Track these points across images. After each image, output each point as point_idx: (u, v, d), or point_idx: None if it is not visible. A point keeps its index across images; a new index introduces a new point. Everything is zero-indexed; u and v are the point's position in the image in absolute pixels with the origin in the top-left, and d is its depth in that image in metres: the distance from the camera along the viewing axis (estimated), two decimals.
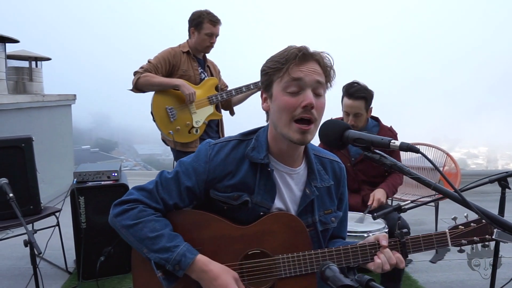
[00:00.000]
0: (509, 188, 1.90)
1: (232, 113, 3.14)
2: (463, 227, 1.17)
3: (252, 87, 2.90)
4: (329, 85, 1.15)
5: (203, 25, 2.80)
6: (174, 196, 1.15)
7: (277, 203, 1.19)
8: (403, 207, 1.88)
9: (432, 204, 3.24)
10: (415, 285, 2.57)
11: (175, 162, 3.00)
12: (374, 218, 1.90)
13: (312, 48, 1.12)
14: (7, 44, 4.26)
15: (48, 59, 5.19)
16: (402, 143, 0.81)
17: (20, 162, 2.57)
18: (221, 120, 3.04)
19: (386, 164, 0.84)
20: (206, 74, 2.94)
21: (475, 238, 1.17)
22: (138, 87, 2.72)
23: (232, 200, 1.16)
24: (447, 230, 1.18)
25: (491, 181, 1.92)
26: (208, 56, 3.01)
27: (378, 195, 2.28)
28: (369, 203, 2.26)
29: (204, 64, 2.97)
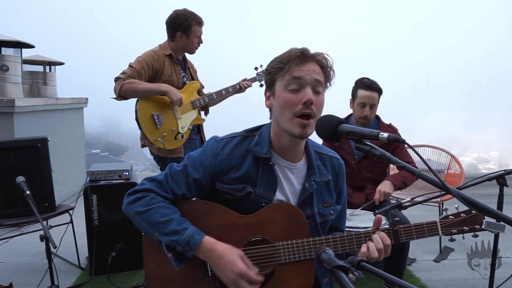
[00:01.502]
0: (507, 186, 1.95)
1: (206, 113, 3.06)
2: (453, 217, 1.23)
3: (230, 90, 2.90)
4: (328, 84, 1.24)
5: (192, 28, 2.71)
6: (183, 187, 1.24)
7: (278, 195, 1.27)
8: (403, 204, 1.94)
9: (437, 205, 3.28)
10: (418, 283, 2.62)
11: (160, 168, 2.90)
12: (375, 215, 1.97)
13: (313, 49, 1.21)
14: (23, 50, 4.41)
15: (62, 63, 5.36)
16: (389, 135, 0.88)
17: (36, 161, 2.68)
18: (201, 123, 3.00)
19: (375, 154, 0.92)
20: (187, 77, 2.88)
21: (464, 228, 1.22)
22: (122, 95, 2.56)
23: (237, 191, 1.24)
24: (437, 220, 1.24)
25: (489, 179, 1.97)
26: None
27: (381, 187, 2.34)
28: (375, 197, 2.31)
29: (185, 66, 2.89)
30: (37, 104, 4.27)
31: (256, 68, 3.02)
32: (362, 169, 2.51)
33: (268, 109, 1.30)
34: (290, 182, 1.29)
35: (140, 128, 2.64)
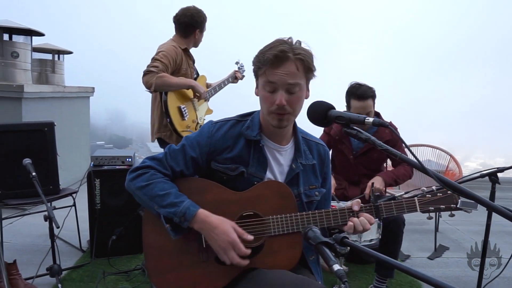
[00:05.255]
0: (499, 183, 2.00)
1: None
2: (430, 196, 1.32)
3: (230, 80, 3.14)
4: (310, 76, 1.31)
5: (205, 24, 2.92)
6: (181, 164, 1.34)
7: (268, 174, 1.38)
8: (397, 198, 1.99)
9: None
10: (410, 278, 2.67)
11: None
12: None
13: (294, 42, 1.28)
14: (33, 37, 4.50)
15: (70, 52, 5.44)
16: (374, 119, 0.95)
17: (42, 144, 2.75)
18: None
19: (361, 138, 0.98)
20: (196, 71, 3.03)
21: (441, 206, 1.30)
22: (156, 88, 2.62)
23: (230, 171, 1.35)
24: (415, 198, 1.32)
25: (482, 176, 2.03)
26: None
27: (372, 181, 2.38)
28: (366, 192, 2.36)
29: (193, 60, 3.01)
30: (45, 91, 4.36)
31: (236, 63, 3.31)
32: (358, 165, 2.56)
33: None
34: (279, 163, 1.39)
35: (170, 120, 2.70)
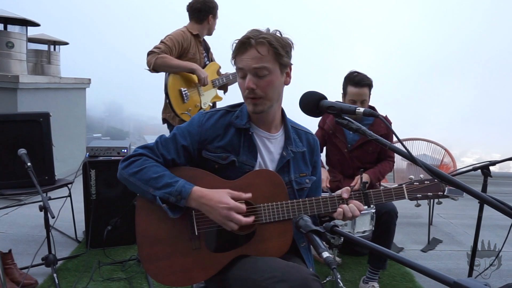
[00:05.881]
0: (491, 176, 2.02)
1: (225, 91, 3.32)
2: (418, 184, 1.34)
3: None
4: (283, 60, 1.31)
5: (217, 10, 3.03)
6: (172, 152, 1.35)
7: (259, 162, 1.40)
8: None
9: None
10: (403, 270, 2.70)
11: None
12: (367, 205, 2.06)
13: (272, 31, 1.32)
14: (28, 28, 4.46)
15: (66, 43, 5.41)
16: (365, 110, 0.96)
17: (37, 135, 2.74)
18: None
19: (352, 128, 0.99)
20: (208, 58, 3.12)
21: (429, 193, 1.33)
22: (155, 67, 2.77)
23: (221, 159, 1.36)
24: (404, 185, 1.35)
25: (474, 169, 2.05)
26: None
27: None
28: (352, 184, 2.43)
29: (207, 48, 3.13)
30: (41, 81, 4.34)
31: None
32: (353, 158, 2.58)
33: None
34: (269, 151, 1.42)
35: (169, 101, 2.83)
